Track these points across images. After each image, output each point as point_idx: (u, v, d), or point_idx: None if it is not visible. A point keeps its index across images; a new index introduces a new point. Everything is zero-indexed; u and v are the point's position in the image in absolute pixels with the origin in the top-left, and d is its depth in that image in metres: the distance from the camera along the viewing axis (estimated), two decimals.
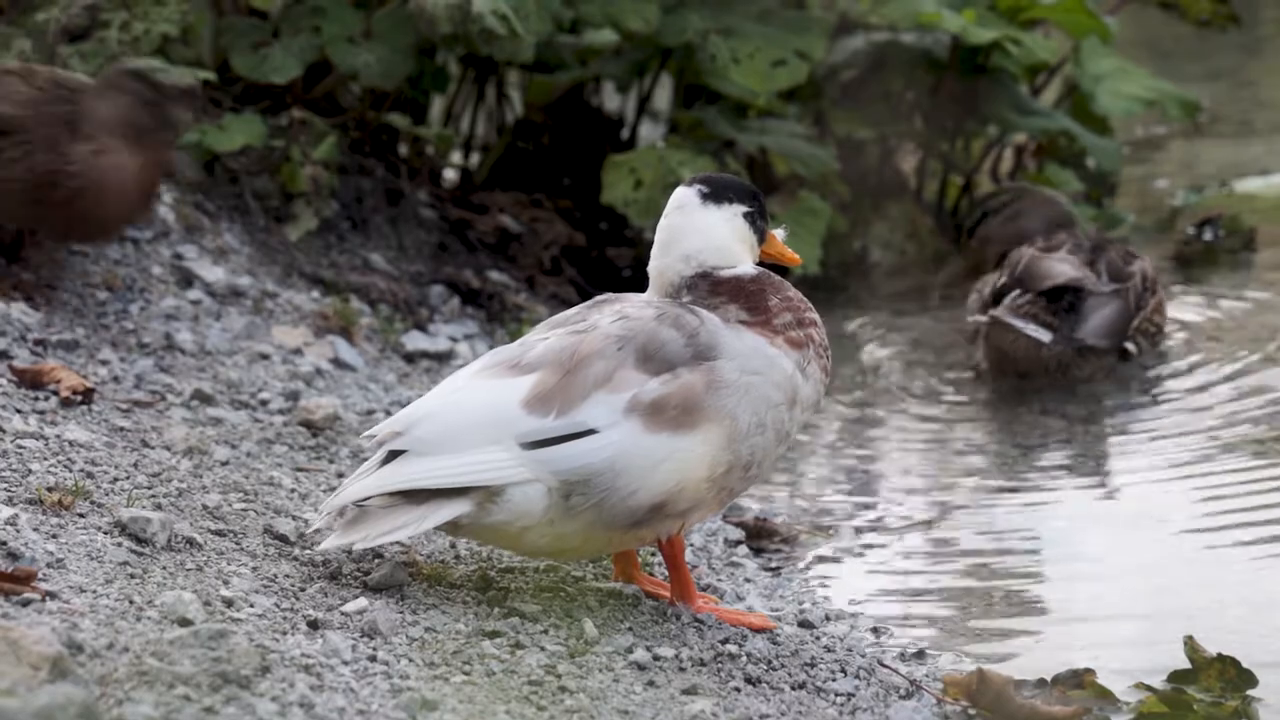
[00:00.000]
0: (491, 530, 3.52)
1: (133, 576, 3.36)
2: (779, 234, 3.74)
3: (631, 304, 3.59)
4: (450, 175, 6.76)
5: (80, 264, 5.02)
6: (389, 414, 4.76)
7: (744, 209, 3.63)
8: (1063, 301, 5.53)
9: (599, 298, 3.67)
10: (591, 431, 3.46)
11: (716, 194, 3.62)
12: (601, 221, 6.69)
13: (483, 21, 5.41)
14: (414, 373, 5.20)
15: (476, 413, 3.51)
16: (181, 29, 5.47)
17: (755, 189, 3.69)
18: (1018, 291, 5.55)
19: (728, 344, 3.51)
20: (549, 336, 3.57)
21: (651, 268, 3.67)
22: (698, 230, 3.61)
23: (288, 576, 3.56)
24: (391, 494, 3.50)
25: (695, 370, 3.48)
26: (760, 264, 3.67)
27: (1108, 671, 3.61)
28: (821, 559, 4.35)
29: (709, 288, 3.60)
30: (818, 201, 6.19)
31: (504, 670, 3.27)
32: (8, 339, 4.46)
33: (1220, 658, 3.56)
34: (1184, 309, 6.10)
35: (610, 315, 3.56)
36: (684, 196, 3.63)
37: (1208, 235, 6.83)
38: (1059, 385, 5.47)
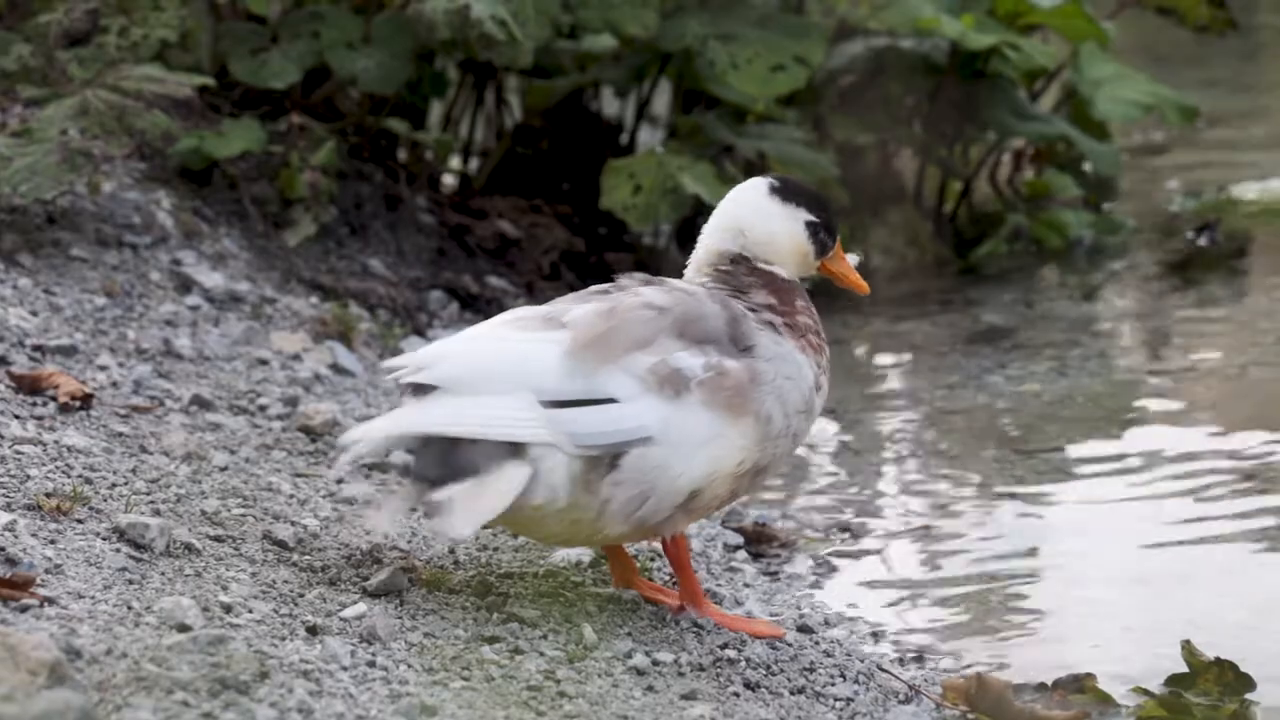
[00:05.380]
0: (509, 511, 3.38)
1: (131, 582, 3.36)
2: (852, 259, 3.71)
3: (668, 282, 3.56)
4: (449, 180, 6.76)
5: (78, 269, 5.03)
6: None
7: (808, 217, 3.59)
8: None
9: (630, 275, 3.61)
10: (611, 400, 3.36)
11: (785, 192, 3.60)
12: (600, 226, 6.69)
13: (482, 27, 5.41)
14: None
15: (510, 368, 3.39)
16: (180, 34, 5.47)
17: (828, 202, 3.65)
18: None
19: (764, 343, 3.48)
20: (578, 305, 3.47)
21: (699, 245, 3.65)
22: (756, 216, 3.58)
23: (286, 582, 3.56)
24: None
25: (738, 359, 3.43)
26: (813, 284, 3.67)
27: (1107, 675, 3.61)
28: (820, 564, 4.35)
29: (746, 270, 3.58)
30: None
31: (503, 675, 3.27)
32: (6, 344, 4.46)
33: (1218, 661, 3.56)
34: (1182, 314, 6.10)
35: (648, 286, 3.51)
36: (754, 184, 3.62)
37: (1205, 240, 6.83)
38: (1057, 387, 5.47)
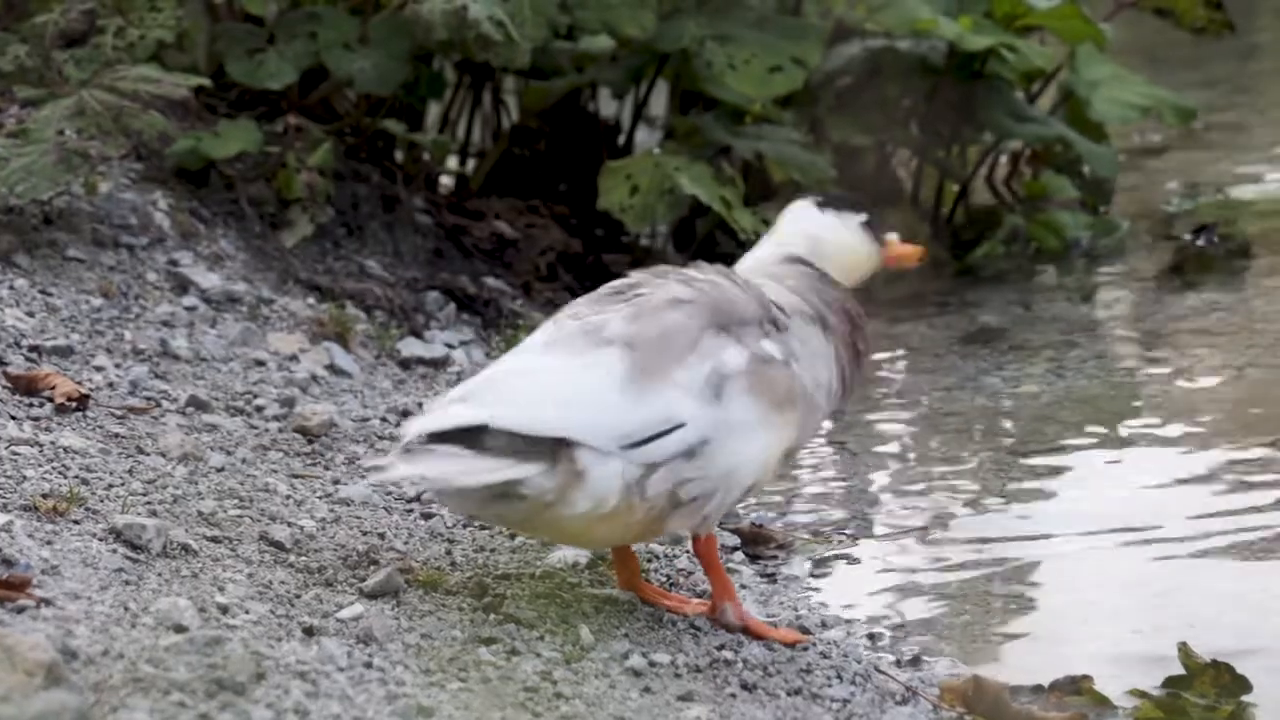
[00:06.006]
0: (557, 517, 3.34)
1: (128, 583, 3.36)
2: (891, 236, 3.82)
3: (684, 272, 3.56)
4: (446, 181, 6.76)
5: (75, 270, 5.02)
6: (384, 420, 4.76)
7: (861, 218, 3.72)
8: None
9: (646, 270, 3.59)
10: (679, 426, 3.34)
11: (834, 204, 3.71)
12: (598, 227, 6.69)
13: (479, 27, 5.41)
14: (410, 379, 5.20)
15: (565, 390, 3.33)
16: (177, 35, 5.47)
17: (863, 199, 3.77)
18: None
19: (796, 323, 3.53)
20: (608, 309, 3.44)
21: (749, 257, 3.69)
22: (824, 231, 3.69)
23: (283, 583, 3.55)
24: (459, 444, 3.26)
25: (773, 340, 3.45)
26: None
27: (1104, 677, 3.61)
28: (817, 565, 4.35)
29: (803, 269, 3.66)
30: None
31: (500, 677, 3.27)
32: (2, 345, 4.46)
33: (1215, 663, 3.56)
34: (1179, 316, 6.10)
35: (671, 283, 3.49)
36: (804, 206, 3.73)
37: (1203, 242, 6.83)
38: (1055, 388, 5.47)
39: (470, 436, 3.27)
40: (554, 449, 3.28)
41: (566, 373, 3.33)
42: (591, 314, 3.43)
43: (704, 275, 3.53)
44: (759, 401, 3.40)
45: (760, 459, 3.43)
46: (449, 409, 3.31)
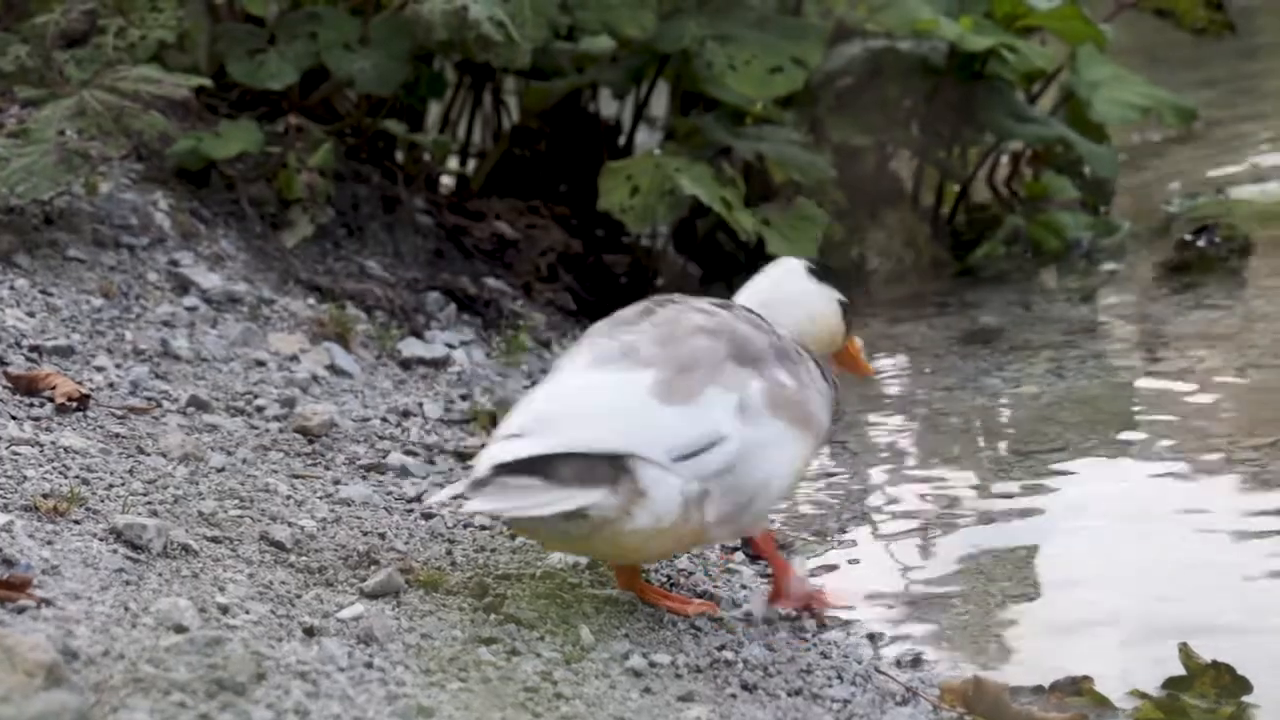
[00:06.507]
0: (616, 534, 3.48)
1: (128, 583, 3.36)
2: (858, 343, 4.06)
3: (700, 302, 3.74)
4: (447, 182, 6.76)
5: (76, 270, 5.02)
6: (385, 420, 4.76)
7: (840, 297, 3.94)
8: None
9: (657, 299, 3.77)
10: (721, 440, 3.55)
11: (820, 274, 3.93)
12: (598, 228, 6.69)
13: (479, 28, 5.41)
14: (410, 379, 5.20)
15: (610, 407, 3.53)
16: (178, 35, 5.47)
17: (849, 286, 3.98)
18: None
19: (806, 357, 3.79)
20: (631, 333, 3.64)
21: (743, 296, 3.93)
22: (797, 293, 3.90)
23: (283, 583, 3.56)
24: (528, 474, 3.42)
25: (785, 371, 3.65)
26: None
27: (1104, 678, 3.61)
28: (817, 565, 4.35)
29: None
30: (814, 208, 6.19)
31: (500, 677, 3.27)
32: (3, 345, 4.46)
33: (1215, 664, 3.56)
34: (1179, 316, 6.10)
35: (689, 312, 3.68)
36: (791, 265, 3.94)
37: (1203, 242, 6.82)
38: (1055, 389, 5.48)
39: (536, 464, 3.43)
40: (614, 471, 3.45)
41: (615, 392, 3.53)
42: (619, 338, 3.63)
43: (719, 308, 3.73)
44: (782, 418, 3.62)
45: (789, 469, 3.65)
46: (514, 442, 3.46)
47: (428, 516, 4.19)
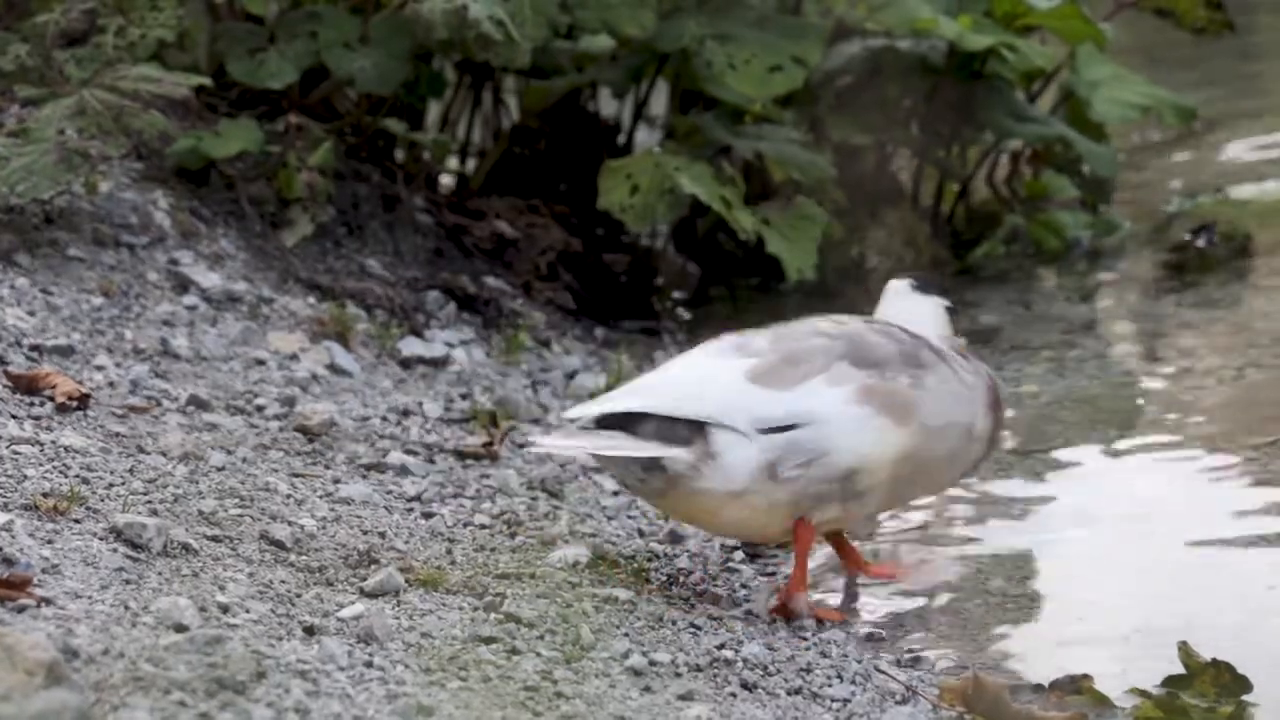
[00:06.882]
0: (691, 492, 3.78)
1: (128, 582, 3.36)
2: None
3: (845, 317, 4.06)
4: (446, 181, 6.76)
5: (76, 269, 5.02)
6: (385, 419, 4.76)
7: (945, 302, 4.17)
8: None
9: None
10: (806, 424, 3.80)
11: (924, 287, 4.17)
12: (598, 227, 6.69)
13: (479, 27, 5.41)
14: (410, 379, 5.20)
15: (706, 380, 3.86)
16: (177, 34, 5.46)
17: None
18: None
19: (935, 364, 3.96)
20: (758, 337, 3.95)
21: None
22: (908, 313, 4.13)
23: (283, 582, 3.56)
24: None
25: (904, 373, 3.89)
26: None
27: (1104, 677, 3.61)
28: (817, 565, 4.35)
29: None
30: (814, 207, 6.19)
31: (500, 676, 3.27)
32: (3, 344, 4.46)
33: (1215, 663, 3.56)
34: (1179, 315, 6.10)
35: (821, 322, 3.99)
36: (898, 286, 4.18)
37: (1203, 242, 6.82)
38: (1055, 388, 5.47)
39: (629, 422, 3.80)
40: (692, 434, 3.77)
41: (709, 370, 3.86)
42: (742, 336, 3.95)
43: (849, 321, 4.02)
44: (872, 406, 3.82)
45: (872, 461, 3.83)
46: (609, 402, 3.86)
47: (428, 516, 4.20)
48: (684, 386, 3.82)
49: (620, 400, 3.84)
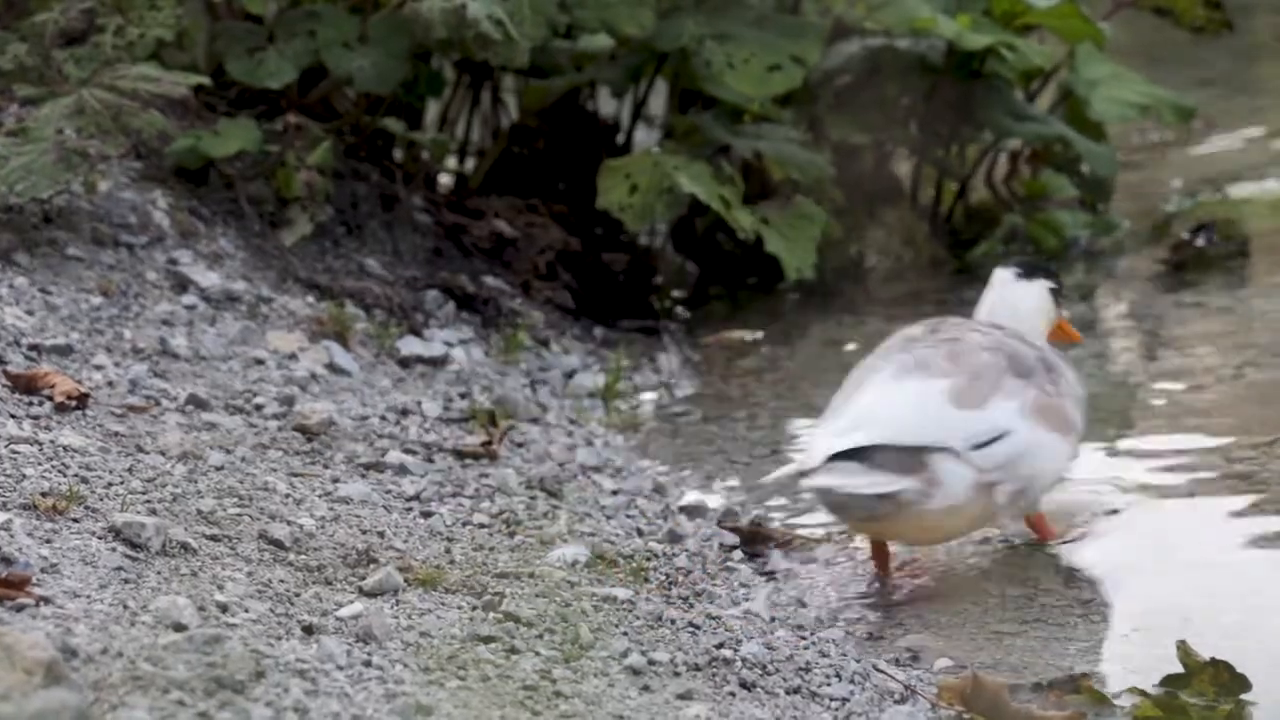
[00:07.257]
0: (919, 514, 4.02)
1: (127, 582, 3.36)
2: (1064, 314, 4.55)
3: (970, 323, 4.37)
4: (445, 180, 6.76)
5: (74, 269, 5.02)
6: (383, 419, 4.76)
7: (1050, 284, 4.50)
8: None
9: (934, 320, 4.37)
10: (1007, 435, 4.11)
11: (1028, 272, 4.51)
12: (597, 226, 6.68)
13: (478, 26, 5.41)
14: (409, 378, 5.20)
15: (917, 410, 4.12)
16: (176, 34, 5.46)
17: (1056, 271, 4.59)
18: None
19: (1064, 367, 4.30)
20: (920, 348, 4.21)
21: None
22: (1019, 301, 4.46)
23: (282, 582, 3.56)
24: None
25: (1054, 383, 4.22)
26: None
27: (1103, 676, 3.61)
28: (816, 564, 4.35)
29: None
30: (812, 207, 6.19)
31: (499, 675, 3.27)
32: (1, 344, 4.46)
33: (1213, 662, 3.56)
34: (1179, 314, 6.10)
35: (969, 332, 4.28)
36: (1003, 274, 4.53)
37: (1202, 241, 6.82)
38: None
39: (854, 454, 4.02)
40: (916, 463, 4.01)
41: (913, 395, 4.11)
42: (912, 352, 4.21)
43: (991, 328, 4.31)
44: (1049, 421, 4.16)
45: (1055, 465, 4.21)
46: (841, 437, 4.05)
47: (426, 515, 4.20)
48: (899, 415, 4.06)
49: (848, 436, 4.04)
